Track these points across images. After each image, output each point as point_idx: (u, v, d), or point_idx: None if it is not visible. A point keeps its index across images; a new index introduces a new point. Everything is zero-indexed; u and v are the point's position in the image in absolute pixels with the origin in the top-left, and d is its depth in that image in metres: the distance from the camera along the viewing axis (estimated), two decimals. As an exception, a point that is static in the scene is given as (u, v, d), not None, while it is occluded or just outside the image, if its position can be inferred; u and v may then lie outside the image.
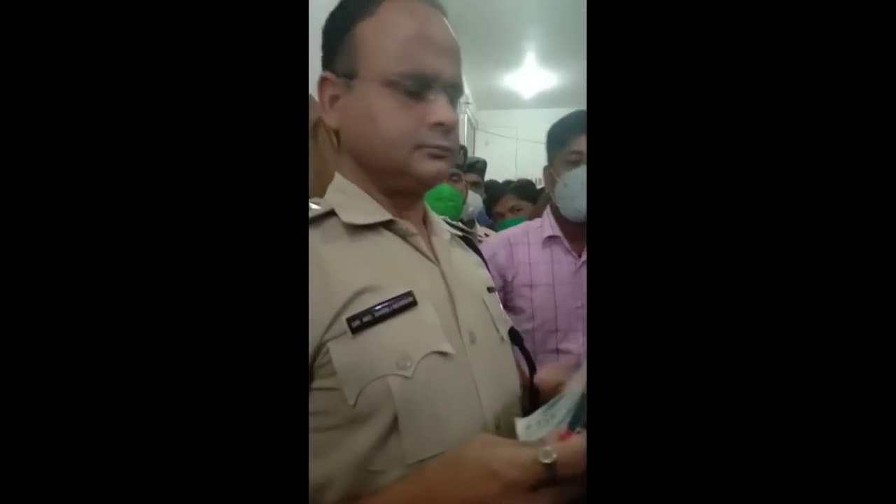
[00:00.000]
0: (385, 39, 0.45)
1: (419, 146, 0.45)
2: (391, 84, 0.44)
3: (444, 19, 0.48)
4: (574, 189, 0.91)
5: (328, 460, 0.40)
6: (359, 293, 0.41)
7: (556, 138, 0.95)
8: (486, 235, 1.46)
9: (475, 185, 1.73)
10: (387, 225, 0.48)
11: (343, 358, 0.39)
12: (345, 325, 0.40)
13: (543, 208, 1.06)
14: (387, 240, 0.48)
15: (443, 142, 0.46)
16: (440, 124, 0.45)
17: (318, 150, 1.49)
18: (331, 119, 0.49)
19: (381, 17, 0.45)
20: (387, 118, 0.44)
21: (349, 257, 0.44)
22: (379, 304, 0.41)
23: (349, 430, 0.40)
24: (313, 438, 0.40)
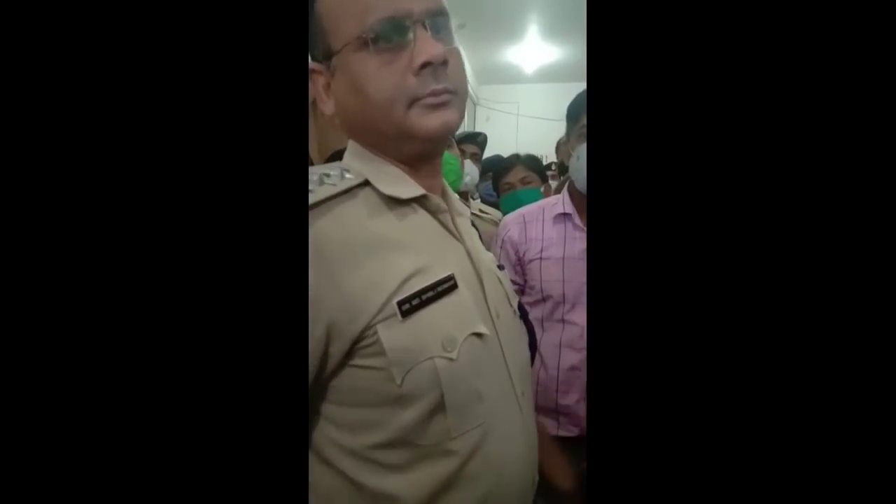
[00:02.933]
0: (340, 5, 0.42)
1: (413, 100, 0.41)
2: (363, 44, 0.40)
3: None
4: (586, 162, 0.91)
5: (374, 434, 0.41)
6: (409, 277, 0.41)
7: (572, 113, 0.96)
8: (482, 211, 1.46)
9: (474, 157, 1.70)
10: (418, 200, 0.46)
11: (393, 340, 0.39)
12: (395, 309, 0.40)
13: (564, 186, 1.06)
14: (420, 216, 0.46)
15: (436, 84, 0.41)
16: (427, 64, 0.40)
17: (318, 125, 1.46)
18: (328, 108, 0.47)
19: None
20: (371, 82, 0.41)
21: (394, 234, 0.43)
22: (426, 288, 0.41)
23: (393, 407, 0.40)
24: (350, 413, 0.41)
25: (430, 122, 0.42)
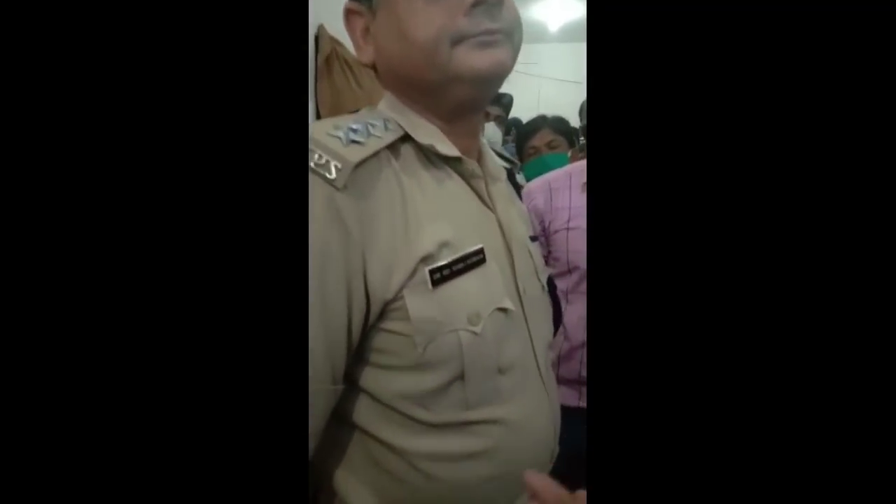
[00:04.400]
0: None
1: (460, 39, 0.38)
2: None
3: None
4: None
5: (396, 389, 0.40)
6: (442, 245, 0.40)
7: None
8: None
9: (497, 119, 1.62)
10: (451, 162, 0.44)
11: (420, 309, 0.38)
12: (426, 276, 0.38)
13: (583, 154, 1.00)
14: (454, 182, 0.44)
15: (489, 24, 0.38)
16: (480, 2, 0.37)
17: (333, 84, 1.40)
18: (366, 55, 0.44)
19: None
20: (417, 22, 0.38)
21: (430, 199, 0.41)
22: (457, 260, 0.40)
23: (413, 372, 0.40)
24: (369, 372, 0.41)
25: (479, 60, 0.39)
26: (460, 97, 0.41)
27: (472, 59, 0.39)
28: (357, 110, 0.47)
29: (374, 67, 0.45)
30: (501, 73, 0.41)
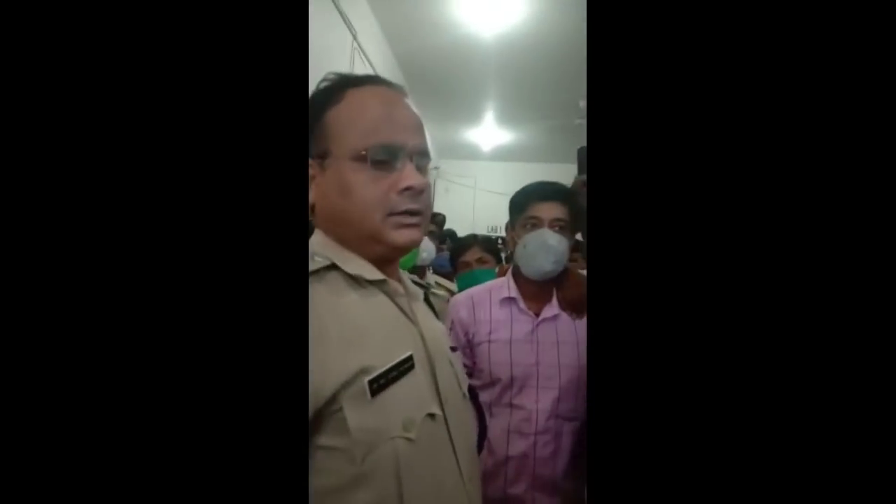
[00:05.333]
0: (353, 120, 0.49)
1: (391, 213, 0.48)
2: (361, 158, 0.48)
3: (406, 99, 0.54)
4: (532, 249, 0.97)
5: None
6: (373, 357, 0.42)
7: (517, 204, 1.02)
8: (438, 284, 1.49)
9: (430, 234, 1.77)
10: (377, 284, 0.50)
11: (358, 420, 0.40)
12: (365, 387, 0.41)
13: (509, 269, 1.11)
14: (380, 299, 0.50)
15: (413, 205, 0.49)
16: (409, 188, 0.48)
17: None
18: (309, 196, 0.52)
19: (347, 102, 0.50)
20: (359, 189, 0.48)
21: (358, 315, 0.46)
22: (391, 368, 0.43)
23: (349, 489, 0.40)
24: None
25: (400, 236, 0.49)
26: (380, 254, 0.51)
27: (396, 233, 0.49)
28: None
29: (311, 208, 0.53)
30: (415, 246, 0.53)
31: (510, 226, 1.04)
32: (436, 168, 4.55)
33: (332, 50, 2.19)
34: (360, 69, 2.34)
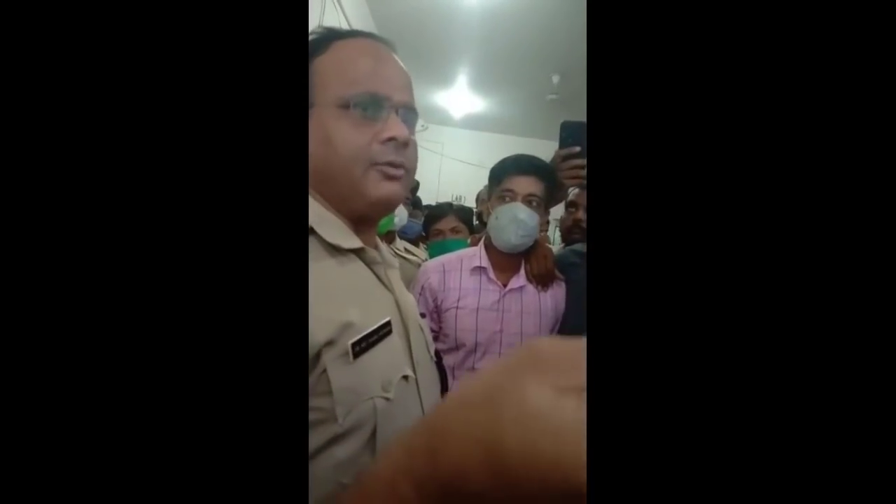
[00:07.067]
0: (338, 69, 0.48)
1: (373, 164, 0.47)
2: (345, 105, 0.46)
3: (394, 55, 0.52)
4: (503, 222, 0.99)
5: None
6: (353, 320, 0.43)
7: (495, 176, 1.04)
8: (407, 250, 1.50)
9: (406, 200, 1.75)
10: (356, 251, 0.50)
11: (342, 380, 0.41)
12: (348, 349, 0.42)
13: (481, 238, 1.13)
14: (357, 266, 0.50)
15: (396, 157, 0.48)
16: (392, 139, 0.47)
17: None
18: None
19: (334, 52, 0.49)
20: (342, 137, 0.47)
21: (336, 280, 0.46)
22: (372, 332, 0.44)
23: (327, 446, 0.41)
24: None
25: (381, 189, 0.48)
26: (361, 210, 0.50)
27: (377, 186, 0.48)
28: None
29: None
30: (396, 204, 0.52)
31: (488, 197, 1.06)
32: (424, 127, 4.37)
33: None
34: (332, 20, 2.19)
